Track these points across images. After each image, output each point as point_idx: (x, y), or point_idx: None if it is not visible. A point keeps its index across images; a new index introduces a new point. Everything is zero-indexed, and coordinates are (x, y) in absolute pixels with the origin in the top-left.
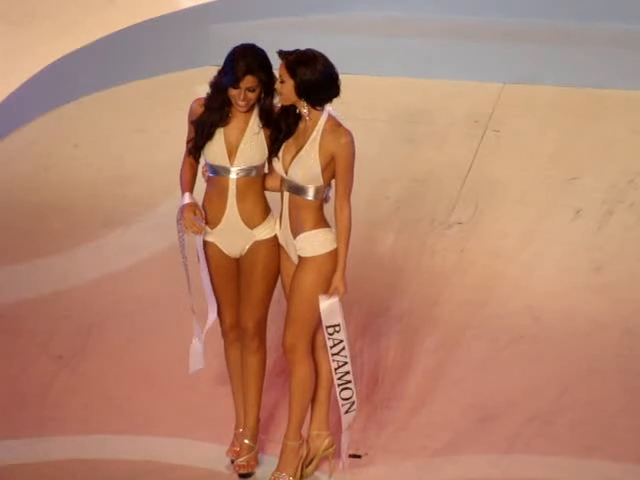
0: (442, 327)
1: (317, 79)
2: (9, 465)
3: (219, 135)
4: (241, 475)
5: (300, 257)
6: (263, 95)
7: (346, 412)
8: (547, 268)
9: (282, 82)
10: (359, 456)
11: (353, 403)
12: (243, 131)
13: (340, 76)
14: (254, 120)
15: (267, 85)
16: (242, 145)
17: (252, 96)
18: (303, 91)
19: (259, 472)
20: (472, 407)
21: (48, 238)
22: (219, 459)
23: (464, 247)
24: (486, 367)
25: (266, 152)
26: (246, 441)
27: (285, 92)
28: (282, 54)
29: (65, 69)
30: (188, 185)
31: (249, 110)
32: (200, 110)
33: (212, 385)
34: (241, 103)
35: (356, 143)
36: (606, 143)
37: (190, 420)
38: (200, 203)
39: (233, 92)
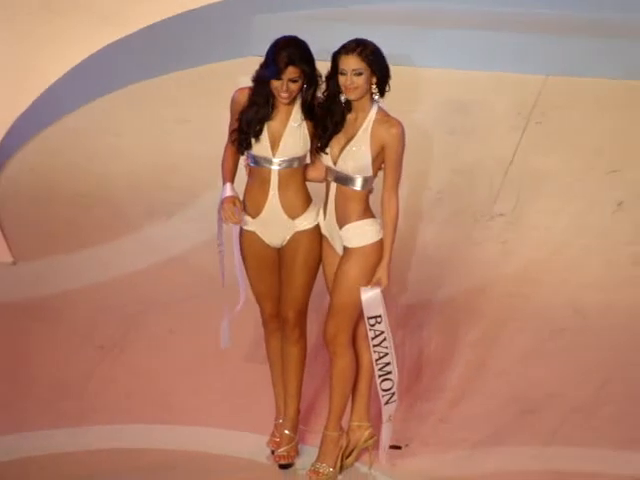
0: (484, 319)
1: (386, 63)
2: (51, 454)
3: (262, 128)
4: (281, 466)
5: (345, 248)
6: (305, 87)
7: (386, 403)
8: (588, 261)
9: (359, 74)
10: (400, 447)
11: (393, 394)
12: (285, 123)
13: None
14: (296, 112)
15: (309, 76)
16: (285, 137)
17: (294, 87)
18: (380, 77)
19: (299, 463)
20: (513, 399)
21: (90, 228)
22: (259, 449)
23: (506, 239)
24: (527, 359)
25: (308, 143)
26: (286, 432)
27: (362, 84)
28: (346, 49)
29: (108, 59)
30: (229, 174)
31: (291, 102)
32: (243, 100)
33: (253, 375)
34: (284, 95)
35: None
36: None
37: (230, 410)
38: (241, 193)
39: (275, 84)
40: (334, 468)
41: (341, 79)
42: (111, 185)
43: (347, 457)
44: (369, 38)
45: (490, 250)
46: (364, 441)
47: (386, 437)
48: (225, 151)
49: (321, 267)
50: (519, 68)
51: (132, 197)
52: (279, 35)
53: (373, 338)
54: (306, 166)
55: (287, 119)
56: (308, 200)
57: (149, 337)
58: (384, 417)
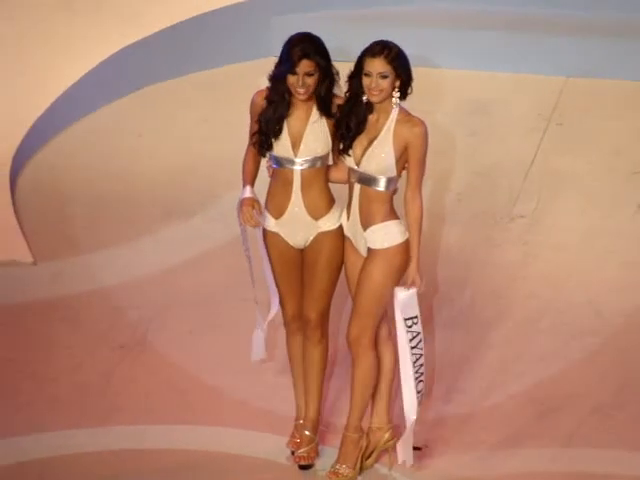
0: (504, 320)
1: (409, 66)
2: (73, 454)
3: (283, 128)
4: (301, 466)
5: (370, 249)
6: (321, 83)
7: (419, 405)
8: (609, 262)
9: (384, 77)
10: (419, 448)
11: (423, 395)
12: (306, 122)
13: None
14: (316, 111)
15: (325, 71)
16: (305, 136)
17: (311, 82)
18: (406, 81)
19: (319, 463)
20: (533, 401)
21: (111, 228)
22: (280, 450)
23: (527, 240)
24: (548, 361)
25: (329, 142)
26: (307, 432)
27: (387, 87)
28: (371, 52)
29: (129, 59)
30: (250, 177)
31: (310, 100)
32: (262, 102)
33: (273, 376)
34: (300, 90)
35: None
36: None
37: (251, 411)
38: (262, 195)
39: (291, 79)
40: (354, 469)
41: (365, 81)
42: (130, 186)
43: (367, 458)
44: (390, 39)
45: (511, 252)
46: (384, 442)
47: (410, 438)
48: (246, 154)
49: (343, 268)
50: (540, 69)
51: (151, 198)
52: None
53: (411, 340)
54: (329, 167)
55: (307, 118)
56: (331, 201)
57: (169, 337)
58: (411, 419)
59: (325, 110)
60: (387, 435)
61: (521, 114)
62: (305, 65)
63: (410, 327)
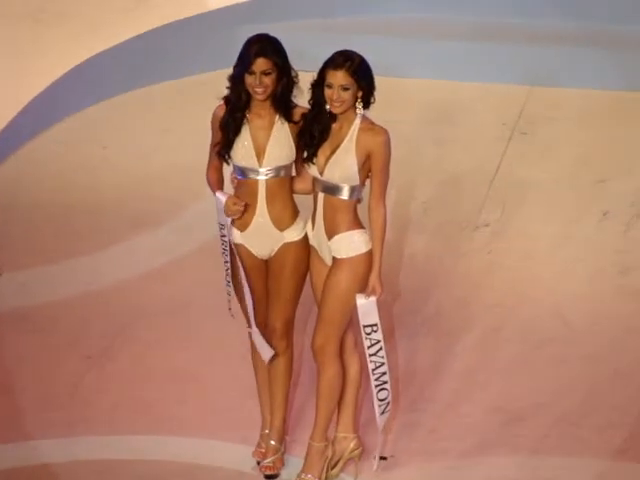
0: (470, 329)
1: (372, 76)
2: (39, 464)
3: (246, 137)
4: (267, 476)
5: (334, 258)
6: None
7: (382, 413)
8: (575, 271)
9: (346, 89)
10: (385, 458)
11: (389, 404)
12: (269, 131)
13: None
14: (278, 119)
15: (282, 70)
16: (269, 145)
17: (268, 81)
18: (367, 93)
19: (285, 473)
20: (499, 409)
21: (76, 239)
22: (245, 460)
23: (492, 249)
24: (513, 369)
25: (294, 151)
26: (272, 442)
27: (348, 98)
28: (333, 64)
29: (93, 69)
30: (218, 185)
31: (271, 107)
32: (222, 115)
33: (239, 386)
34: (258, 90)
35: None
36: (634, 146)
37: (216, 421)
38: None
39: (249, 79)
40: (319, 479)
41: (327, 92)
42: (97, 196)
43: (333, 468)
44: (355, 49)
45: (476, 260)
46: (350, 452)
47: (381, 447)
48: (208, 168)
49: (308, 278)
50: (504, 78)
51: (118, 208)
52: None
53: (369, 347)
54: (293, 178)
55: (270, 128)
56: (296, 212)
57: (136, 347)
58: (380, 426)
59: (284, 111)
60: (353, 444)
61: (486, 123)
62: (261, 64)
63: (369, 334)
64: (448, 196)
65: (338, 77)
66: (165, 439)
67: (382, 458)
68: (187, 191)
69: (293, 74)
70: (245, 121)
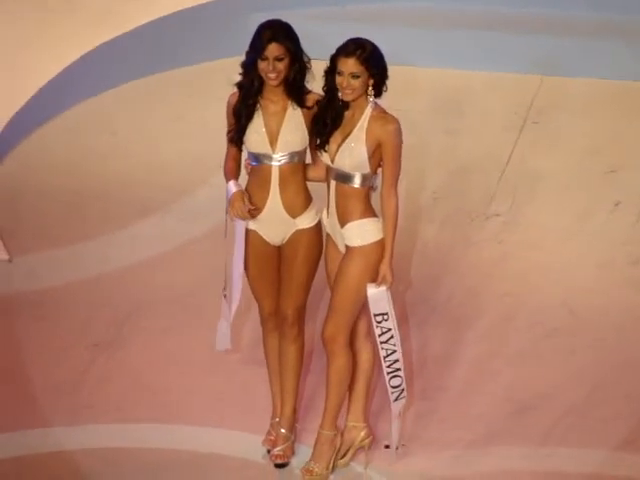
0: (480, 319)
1: (385, 69)
2: (45, 453)
3: (259, 123)
4: (277, 465)
5: (347, 246)
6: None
7: (395, 400)
8: (585, 261)
9: (356, 77)
10: (395, 447)
11: (403, 390)
12: (282, 117)
13: None
14: (291, 104)
15: (295, 55)
16: (282, 131)
17: (281, 66)
18: (379, 81)
19: (295, 462)
20: (508, 399)
21: (84, 226)
22: (255, 449)
23: (502, 239)
24: (523, 360)
25: (307, 137)
26: (282, 430)
27: (359, 86)
28: (344, 51)
29: (103, 57)
30: (232, 174)
31: (284, 93)
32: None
33: (249, 374)
34: (271, 75)
35: None
36: None
37: (227, 409)
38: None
39: (262, 65)
40: (327, 468)
41: (338, 79)
42: (105, 183)
43: (342, 457)
44: (367, 37)
45: (486, 250)
46: (360, 441)
47: (396, 434)
48: (226, 155)
49: (323, 265)
50: (516, 68)
51: (126, 195)
52: None
53: (380, 335)
54: (307, 165)
55: (283, 113)
56: (309, 199)
57: (143, 335)
58: (394, 414)
59: (297, 97)
60: (363, 434)
61: (497, 113)
62: (274, 49)
63: (380, 323)
64: (459, 186)
65: (349, 64)
66: (172, 427)
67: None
68: (196, 179)
69: (305, 60)
70: (258, 107)
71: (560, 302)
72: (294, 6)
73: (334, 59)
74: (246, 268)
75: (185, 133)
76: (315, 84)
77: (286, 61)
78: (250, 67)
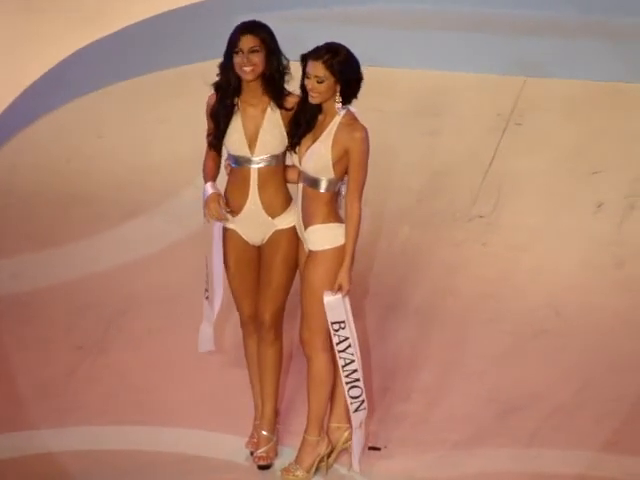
0: (463, 320)
1: (354, 68)
2: (30, 455)
3: (238, 126)
4: (260, 467)
5: (309, 250)
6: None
7: (355, 410)
8: (569, 262)
9: (321, 82)
10: (379, 449)
11: (363, 402)
12: (261, 120)
13: (366, 68)
14: (270, 106)
15: (271, 50)
16: (261, 134)
17: (256, 59)
18: (345, 87)
19: (279, 463)
20: (493, 400)
21: (70, 227)
22: (238, 451)
23: (486, 241)
24: (507, 360)
25: (285, 140)
26: (264, 432)
27: (324, 90)
28: (313, 55)
29: (89, 58)
30: (211, 175)
31: (263, 95)
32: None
33: (232, 376)
34: (246, 69)
35: (378, 134)
36: (629, 137)
37: (210, 411)
38: (222, 192)
39: (237, 59)
40: (307, 472)
41: (305, 81)
42: (91, 184)
43: (327, 458)
44: (351, 38)
45: (470, 251)
46: (343, 442)
47: (358, 444)
48: (206, 156)
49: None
50: (499, 69)
51: (112, 196)
52: None
53: (337, 343)
54: (287, 167)
55: (262, 117)
56: (288, 200)
57: (128, 337)
58: (354, 424)
59: (275, 97)
60: (346, 434)
61: (480, 114)
62: (248, 40)
63: (337, 331)
64: (442, 187)
65: (314, 68)
66: (158, 429)
67: (376, 449)
68: (182, 180)
69: (284, 62)
70: (237, 110)
71: (545, 303)
72: (279, 7)
73: (304, 60)
74: (226, 268)
75: (172, 135)
76: (295, 86)
77: (261, 54)
78: (227, 66)
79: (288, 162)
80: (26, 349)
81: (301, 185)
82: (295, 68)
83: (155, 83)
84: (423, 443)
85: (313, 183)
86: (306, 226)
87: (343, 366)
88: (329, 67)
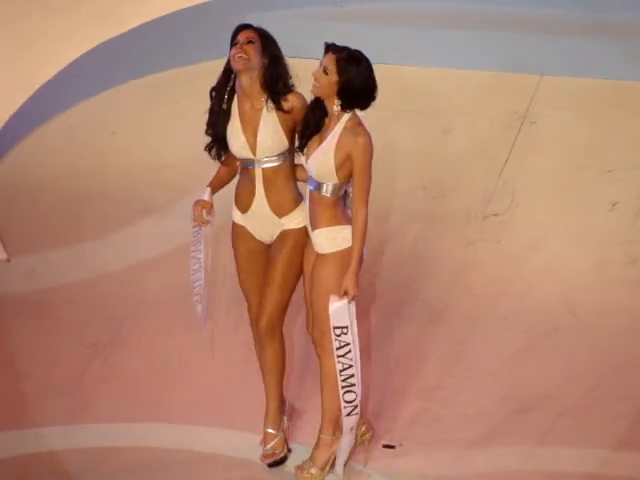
0: (477, 318)
1: (359, 85)
2: (42, 452)
3: (237, 129)
4: (269, 464)
5: (318, 253)
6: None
7: (348, 415)
8: (583, 261)
9: (326, 73)
10: (393, 447)
11: (356, 407)
12: (258, 122)
13: (379, 66)
14: (266, 106)
15: (266, 45)
16: (260, 136)
17: (250, 49)
18: (343, 91)
19: (293, 461)
20: (507, 399)
21: (84, 225)
22: (253, 448)
23: (500, 238)
24: (521, 359)
25: (285, 140)
26: (269, 430)
27: (324, 84)
28: (333, 47)
29: (104, 56)
30: (216, 179)
31: (260, 96)
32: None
33: (247, 374)
34: (238, 56)
35: (392, 133)
36: None
37: (224, 409)
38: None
39: (232, 51)
40: (321, 470)
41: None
42: (105, 183)
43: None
44: (365, 36)
45: (484, 249)
46: (360, 436)
47: (346, 449)
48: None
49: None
50: (514, 68)
51: (126, 195)
52: (272, 33)
53: (338, 348)
54: (297, 166)
55: (259, 119)
56: (297, 199)
57: (142, 335)
58: (345, 429)
59: (271, 95)
60: (363, 429)
61: (496, 112)
62: (245, 33)
63: (339, 336)
64: (456, 185)
65: (328, 59)
66: (172, 427)
67: (390, 447)
68: (194, 179)
69: (284, 61)
70: (235, 114)
71: (559, 302)
72: (291, 6)
73: (327, 49)
74: (236, 262)
75: (184, 133)
76: (301, 86)
77: (257, 45)
78: (226, 71)
79: (298, 160)
80: (38, 347)
81: (308, 188)
82: (305, 67)
83: (169, 81)
84: (437, 441)
85: (318, 187)
86: (313, 228)
87: (340, 370)
88: (339, 65)
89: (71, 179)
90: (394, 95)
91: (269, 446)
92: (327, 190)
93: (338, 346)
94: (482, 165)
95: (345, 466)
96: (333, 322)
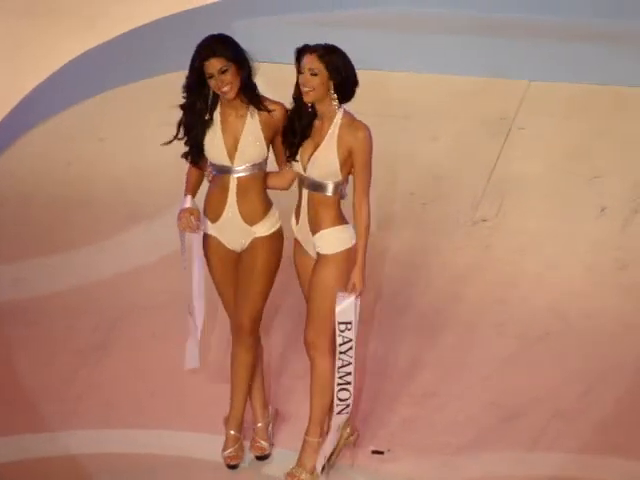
0: (467, 324)
1: (347, 71)
2: (31, 458)
3: (218, 136)
4: (230, 466)
5: (319, 254)
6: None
7: (339, 413)
8: (572, 266)
9: (314, 75)
10: (382, 452)
11: (348, 406)
12: (241, 129)
13: (367, 72)
14: (249, 112)
15: (239, 63)
16: (241, 144)
17: (229, 77)
18: (338, 83)
19: (279, 467)
20: (496, 404)
21: (72, 232)
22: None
23: (489, 244)
24: (510, 365)
25: (265, 148)
26: (232, 432)
27: (317, 85)
28: (307, 48)
29: (90, 63)
30: (191, 187)
31: (241, 106)
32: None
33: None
34: (225, 89)
35: (381, 140)
36: (632, 141)
37: (212, 415)
38: (203, 200)
39: (212, 83)
40: (312, 474)
41: (299, 78)
42: (94, 189)
43: (330, 457)
44: (353, 43)
45: (473, 255)
46: (345, 439)
47: (329, 447)
48: (189, 168)
49: (294, 272)
50: (502, 73)
51: (114, 201)
52: (260, 40)
53: (341, 344)
54: (267, 174)
55: (242, 127)
56: (267, 207)
57: (131, 341)
58: (333, 427)
59: (254, 100)
60: (348, 430)
61: (484, 118)
62: (213, 64)
63: (343, 332)
64: (445, 191)
65: (309, 60)
66: (159, 432)
67: (379, 452)
68: (182, 185)
69: (249, 59)
70: (216, 120)
71: (549, 307)
72: (277, 12)
73: (298, 56)
74: (211, 274)
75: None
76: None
77: (232, 70)
78: (192, 89)
79: (268, 169)
80: (27, 354)
81: (306, 192)
82: (290, 72)
83: (158, 87)
84: (426, 447)
85: (319, 188)
86: (314, 232)
87: (339, 367)
88: (323, 61)
89: (59, 185)
90: (383, 101)
91: (231, 449)
92: (329, 189)
93: (341, 342)
94: (471, 171)
95: (325, 467)
96: (339, 317)
